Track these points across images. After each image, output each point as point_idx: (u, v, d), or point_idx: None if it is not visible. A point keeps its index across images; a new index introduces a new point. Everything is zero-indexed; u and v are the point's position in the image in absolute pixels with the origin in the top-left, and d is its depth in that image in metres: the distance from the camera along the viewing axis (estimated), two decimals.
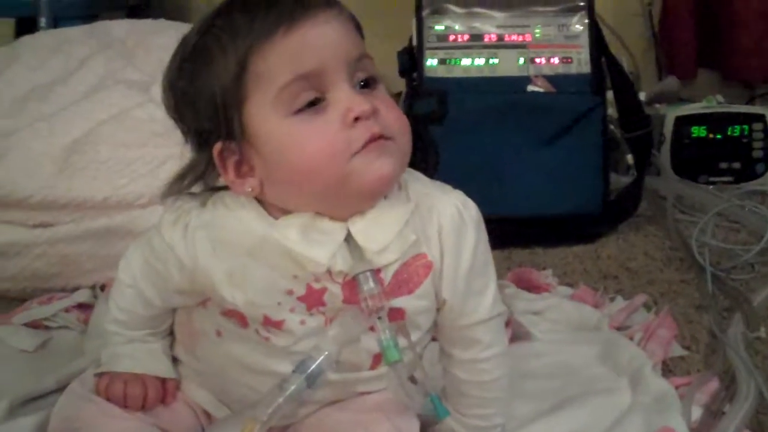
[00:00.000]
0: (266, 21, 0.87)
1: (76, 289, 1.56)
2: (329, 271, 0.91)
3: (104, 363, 1.07)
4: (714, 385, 1.22)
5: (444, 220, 0.95)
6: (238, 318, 0.95)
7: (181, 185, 0.98)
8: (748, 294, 1.54)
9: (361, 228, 0.91)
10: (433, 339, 1.05)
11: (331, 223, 0.91)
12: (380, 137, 0.88)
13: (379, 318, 0.89)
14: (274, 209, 0.93)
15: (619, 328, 1.42)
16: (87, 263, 1.57)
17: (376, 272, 0.90)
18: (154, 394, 1.05)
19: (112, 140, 1.63)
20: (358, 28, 0.95)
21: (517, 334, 1.36)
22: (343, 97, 0.88)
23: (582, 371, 1.29)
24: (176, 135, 1.64)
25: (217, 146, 0.91)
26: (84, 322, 1.44)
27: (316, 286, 0.92)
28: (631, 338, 1.36)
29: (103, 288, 1.52)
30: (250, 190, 0.92)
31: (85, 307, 1.49)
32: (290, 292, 0.92)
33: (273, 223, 0.92)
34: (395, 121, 0.91)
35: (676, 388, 1.21)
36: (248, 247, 0.92)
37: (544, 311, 1.47)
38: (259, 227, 0.92)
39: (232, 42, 0.88)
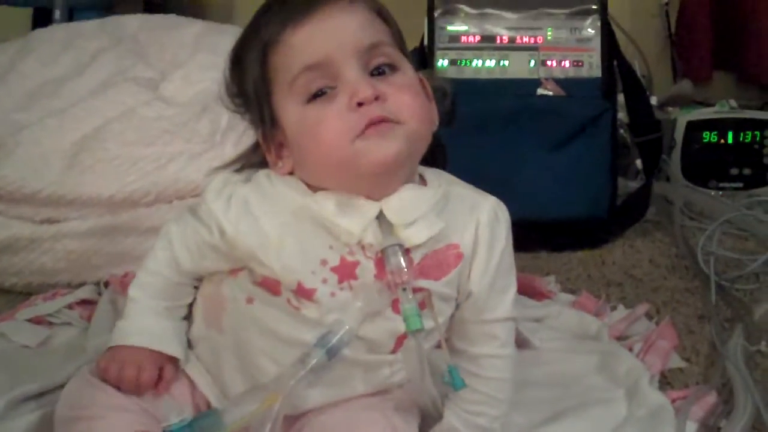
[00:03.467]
0: (278, 20, 0.97)
1: (80, 285, 1.57)
2: (362, 245, 0.96)
3: (114, 336, 1.08)
4: (711, 399, 1.22)
5: (482, 217, 1.01)
6: (271, 287, 0.98)
7: (244, 162, 1.08)
8: (752, 305, 1.54)
9: (392, 206, 0.96)
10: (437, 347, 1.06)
11: (366, 201, 0.96)
12: (382, 121, 0.92)
13: (404, 289, 0.94)
14: (312, 186, 0.99)
15: (619, 338, 1.42)
16: (92, 259, 1.58)
17: (405, 251, 0.95)
18: (147, 377, 1.05)
19: (120, 138, 1.64)
20: (380, 13, 1.01)
21: (515, 341, 1.36)
22: (350, 84, 0.93)
23: (579, 381, 1.29)
24: (183, 133, 1.67)
25: (260, 131, 1.02)
26: (87, 319, 1.45)
27: (350, 258, 0.96)
28: (631, 349, 1.36)
29: (107, 285, 1.53)
30: (286, 169, 1.00)
31: (88, 304, 1.50)
32: (324, 262, 0.96)
33: (311, 195, 0.97)
34: (406, 107, 0.94)
35: (673, 401, 1.20)
36: (287, 214, 0.98)
37: (545, 319, 1.48)
38: (298, 197, 0.98)
39: (255, 39, 0.99)
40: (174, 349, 1.08)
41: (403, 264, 0.94)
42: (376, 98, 0.92)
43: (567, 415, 1.18)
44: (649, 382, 1.24)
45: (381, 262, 0.95)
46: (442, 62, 1.99)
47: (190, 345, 1.10)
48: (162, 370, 1.07)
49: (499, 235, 1.02)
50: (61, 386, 1.14)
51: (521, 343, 1.37)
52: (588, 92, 1.95)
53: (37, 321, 1.44)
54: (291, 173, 1.00)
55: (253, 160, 1.07)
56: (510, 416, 1.10)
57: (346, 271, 0.96)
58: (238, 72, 1.03)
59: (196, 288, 1.10)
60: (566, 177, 1.87)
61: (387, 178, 0.96)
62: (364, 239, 0.95)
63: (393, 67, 0.97)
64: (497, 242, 1.02)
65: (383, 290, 0.95)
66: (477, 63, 1.99)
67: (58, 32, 2.02)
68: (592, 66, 1.97)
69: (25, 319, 1.44)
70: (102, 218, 1.58)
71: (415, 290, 0.96)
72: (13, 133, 1.65)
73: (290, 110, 0.97)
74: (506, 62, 1.98)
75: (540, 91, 1.94)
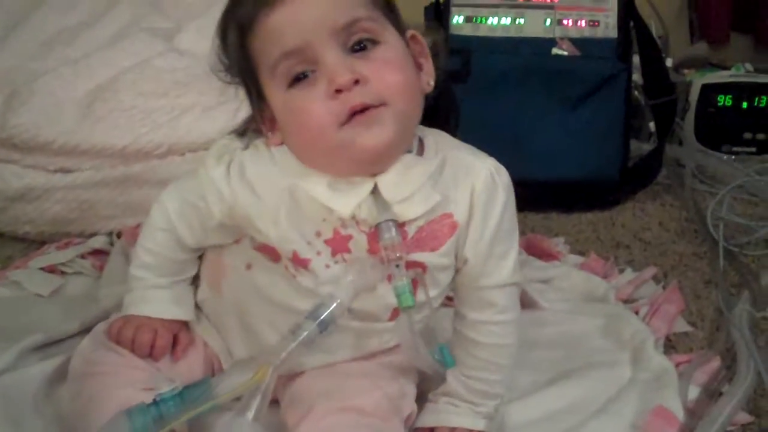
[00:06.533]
0: (251, 3, 0.94)
1: (93, 235, 1.59)
2: (356, 220, 0.95)
3: (125, 307, 1.10)
4: (715, 364, 1.23)
5: (477, 182, 0.99)
6: (271, 253, 0.99)
7: (247, 126, 1.06)
8: (759, 271, 1.54)
9: (387, 181, 0.94)
10: (444, 305, 1.08)
11: (360, 177, 0.95)
12: (364, 108, 0.90)
13: (397, 266, 0.93)
14: None
15: (626, 301, 1.43)
16: (105, 210, 1.60)
17: (400, 226, 0.94)
18: (163, 343, 1.07)
19: (134, 89, 1.65)
20: None
21: (522, 301, 1.37)
22: (328, 68, 0.91)
23: (584, 343, 1.30)
24: (197, 85, 1.67)
25: (252, 103, 1.01)
26: (99, 269, 1.47)
27: (343, 231, 0.96)
28: (637, 312, 1.38)
29: (119, 235, 1.55)
30: (277, 141, 0.99)
31: (100, 254, 1.53)
32: (318, 234, 0.97)
33: (304, 172, 0.96)
34: (389, 86, 0.92)
35: (677, 365, 1.21)
36: (281, 188, 0.97)
37: (552, 280, 1.49)
38: (291, 173, 0.97)
39: (232, 22, 0.97)
40: (185, 313, 1.10)
41: (397, 240, 0.93)
42: (357, 82, 0.90)
43: (571, 376, 1.19)
44: (654, 345, 1.25)
45: (373, 236, 0.95)
46: (458, 19, 1.97)
47: (198, 307, 1.12)
48: (177, 337, 1.09)
49: (496, 200, 1.00)
50: (74, 335, 1.17)
51: (528, 303, 1.38)
52: (603, 53, 1.93)
53: (50, 270, 1.47)
54: (283, 143, 0.99)
55: (255, 126, 1.05)
56: (515, 376, 1.12)
57: (339, 245, 0.97)
58: (225, 49, 1.00)
59: (200, 258, 1.11)
60: (578, 138, 1.87)
61: (380, 160, 0.95)
62: (357, 215, 0.95)
63: (374, 41, 0.94)
64: (494, 208, 0.99)
65: (377, 265, 0.95)
66: (492, 20, 1.97)
67: None
68: (608, 26, 1.95)
69: (38, 267, 1.46)
70: (115, 169, 1.60)
71: (411, 264, 0.96)
72: (28, 82, 1.66)
73: (274, 94, 0.95)
74: (522, 20, 1.97)
75: (555, 50, 1.93)
